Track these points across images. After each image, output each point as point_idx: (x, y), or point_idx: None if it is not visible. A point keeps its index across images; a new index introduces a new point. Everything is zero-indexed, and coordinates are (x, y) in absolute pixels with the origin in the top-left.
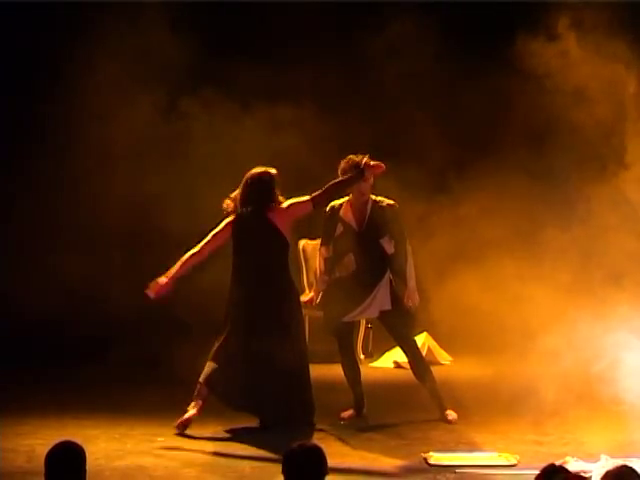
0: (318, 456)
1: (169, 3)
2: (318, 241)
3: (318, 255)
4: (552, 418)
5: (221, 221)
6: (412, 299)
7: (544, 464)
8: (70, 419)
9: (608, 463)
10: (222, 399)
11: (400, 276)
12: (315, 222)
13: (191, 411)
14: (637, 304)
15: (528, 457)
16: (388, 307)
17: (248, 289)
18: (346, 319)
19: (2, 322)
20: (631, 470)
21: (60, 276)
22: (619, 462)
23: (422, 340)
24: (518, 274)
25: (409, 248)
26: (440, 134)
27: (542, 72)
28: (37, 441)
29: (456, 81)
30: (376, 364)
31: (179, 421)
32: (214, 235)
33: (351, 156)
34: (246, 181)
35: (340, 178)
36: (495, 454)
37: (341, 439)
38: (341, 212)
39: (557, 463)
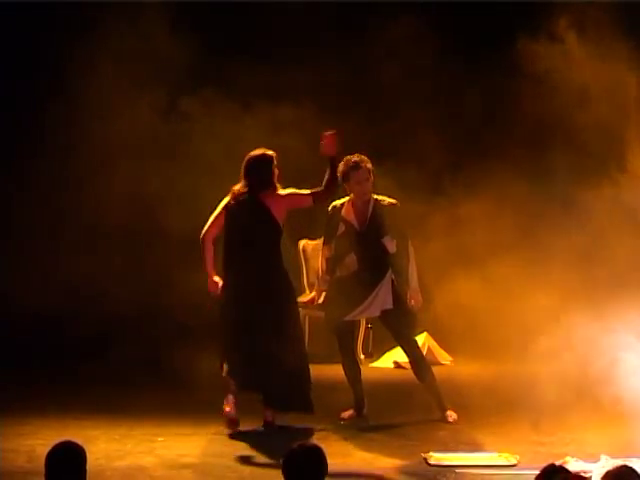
0: (318, 456)
1: (169, 3)
2: (318, 241)
3: (320, 255)
4: (552, 418)
5: (220, 203)
6: (415, 299)
7: (544, 464)
8: (70, 419)
9: (608, 463)
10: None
11: (402, 275)
12: (315, 222)
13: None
14: (636, 305)
15: (528, 457)
16: (390, 306)
17: (238, 272)
18: (348, 318)
19: (2, 322)
20: (631, 470)
21: (61, 276)
22: (619, 462)
23: (422, 340)
24: (518, 275)
25: (411, 247)
26: (440, 135)
27: (543, 74)
28: (37, 441)
29: (456, 82)
30: (376, 364)
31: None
32: (215, 217)
33: (347, 157)
34: (244, 163)
35: (327, 172)
36: (495, 454)
37: (341, 439)
38: (343, 212)
39: (557, 463)
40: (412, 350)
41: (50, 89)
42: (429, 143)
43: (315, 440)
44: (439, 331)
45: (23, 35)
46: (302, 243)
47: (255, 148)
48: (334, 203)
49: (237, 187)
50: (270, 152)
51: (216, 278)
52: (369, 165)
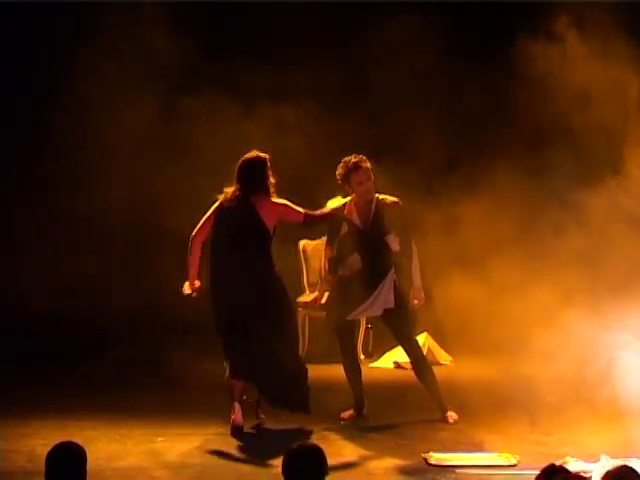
0: (318, 456)
1: (169, 3)
2: (318, 241)
3: (323, 255)
4: (552, 418)
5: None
6: (418, 297)
7: (544, 464)
8: (71, 420)
9: (608, 463)
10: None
11: (405, 274)
12: None
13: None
14: (635, 305)
15: (528, 457)
16: (392, 305)
17: (226, 274)
18: (350, 317)
19: (2, 322)
20: (631, 470)
21: (60, 276)
22: (619, 462)
23: (422, 340)
24: (518, 275)
25: (414, 245)
26: (440, 135)
27: (543, 74)
28: (38, 442)
29: (456, 82)
30: (376, 364)
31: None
32: (206, 219)
33: (345, 159)
34: (237, 166)
35: (331, 209)
36: (495, 454)
37: (341, 439)
38: (345, 212)
39: (557, 463)
40: (413, 350)
41: (50, 89)
42: (428, 142)
43: (315, 440)
44: (439, 331)
45: (23, 35)
46: (302, 243)
47: (255, 148)
48: (332, 202)
49: (229, 189)
50: (263, 155)
51: (197, 282)
52: (368, 164)
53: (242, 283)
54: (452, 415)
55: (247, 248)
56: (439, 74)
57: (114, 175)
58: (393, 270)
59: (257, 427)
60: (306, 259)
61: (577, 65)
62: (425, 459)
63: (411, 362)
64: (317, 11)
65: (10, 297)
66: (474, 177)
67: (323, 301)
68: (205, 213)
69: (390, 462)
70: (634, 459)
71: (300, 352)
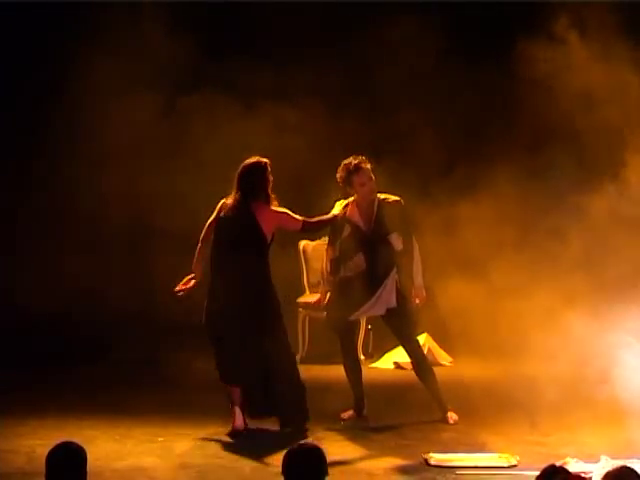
0: (318, 456)
1: (169, 3)
2: (318, 242)
3: (325, 256)
4: (552, 419)
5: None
6: (419, 296)
7: (544, 465)
8: (70, 420)
9: (608, 464)
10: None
11: (406, 272)
12: None
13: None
14: (635, 305)
15: (528, 458)
16: (394, 305)
17: (223, 278)
18: (353, 317)
19: (2, 322)
20: (631, 471)
21: (61, 276)
22: (619, 463)
23: (422, 341)
24: (518, 275)
25: (416, 244)
26: (440, 135)
27: (543, 75)
28: (37, 442)
29: (456, 82)
30: (376, 365)
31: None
32: (211, 222)
33: (344, 162)
34: (238, 171)
35: (327, 217)
36: (495, 455)
37: (341, 439)
38: (347, 213)
39: (557, 464)
40: (414, 350)
41: (50, 89)
42: (429, 143)
43: (315, 440)
44: (439, 332)
45: (23, 35)
46: (302, 244)
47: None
48: (339, 204)
49: (231, 195)
50: (264, 160)
51: (192, 282)
52: (369, 165)
53: (236, 288)
54: (452, 416)
55: (244, 254)
56: (439, 75)
57: (113, 175)
58: (395, 270)
59: (246, 429)
60: (306, 260)
61: (578, 67)
62: (425, 460)
63: (412, 362)
64: (317, 11)
65: (8, 297)
66: (474, 179)
67: (326, 302)
68: (206, 214)
69: (390, 462)
70: (634, 460)
71: (300, 353)
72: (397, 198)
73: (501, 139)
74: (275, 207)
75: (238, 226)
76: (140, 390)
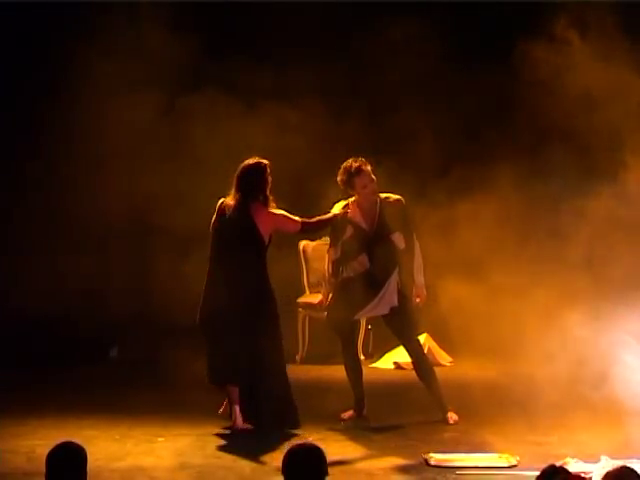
0: (318, 456)
1: (169, 3)
2: (318, 242)
3: (326, 258)
4: (552, 419)
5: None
6: (420, 295)
7: (544, 465)
8: (70, 420)
9: (608, 464)
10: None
11: (407, 272)
12: None
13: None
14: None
15: (528, 458)
16: (396, 304)
17: (221, 278)
18: (357, 317)
19: (2, 322)
20: (631, 471)
21: (60, 276)
22: (619, 463)
23: (422, 341)
24: (517, 276)
25: (417, 243)
26: (439, 136)
27: (544, 75)
28: (37, 442)
29: (456, 83)
30: (376, 365)
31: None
32: (211, 226)
33: (344, 164)
34: (238, 172)
35: (326, 217)
36: (495, 455)
37: (341, 439)
38: (349, 214)
39: (557, 464)
40: (415, 349)
41: (50, 89)
42: (428, 144)
43: (315, 440)
44: (439, 332)
45: (23, 35)
46: (302, 244)
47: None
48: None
49: (230, 196)
50: (264, 161)
51: None
52: (369, 167)
53: (234, 289)
54: (452, 416)
55: (243, 255)
56: (439, 75)
57: (113, 175)
58: (397, 269)
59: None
60: (306, 260)
61: (578, 68)
62: (425, 460)
63: (412, 362)
64: (317, 11)
65: (8, 297)
66: (474, 179)
67: (327, 303)
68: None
69: (390, 462)
70: (634, 460)
71: (300, 353)
72: (398, 197)
73: (501, 140)
74: (273, 209)
75: (237, 227)
76: (140, 390)
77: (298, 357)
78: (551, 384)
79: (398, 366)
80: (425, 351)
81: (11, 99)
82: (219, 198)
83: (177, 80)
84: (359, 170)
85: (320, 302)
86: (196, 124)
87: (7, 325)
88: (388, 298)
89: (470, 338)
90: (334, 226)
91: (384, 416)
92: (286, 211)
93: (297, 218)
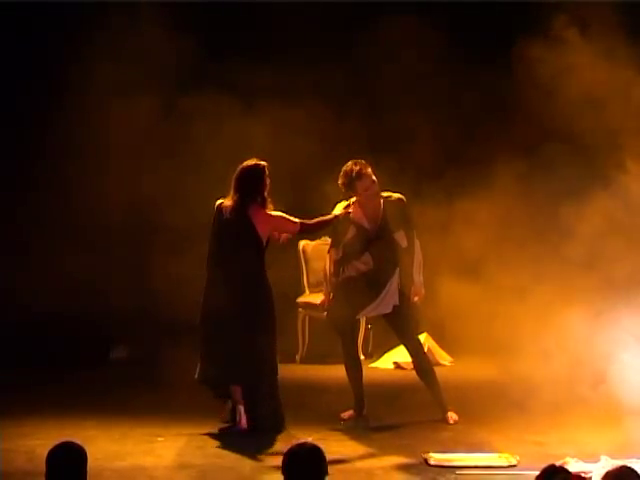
0: (318, 456)
1: (169, 3)
2: (318, 242)
3: (327, 258)
4: (552, 419)
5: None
6: (418, 293)
7: (544, 465)
8: (70, 419)
9: (608, 464)
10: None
11: (408, 270)
12: None
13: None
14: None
15: (528, 458)
16: (397, 303)
17: (217, 280)
18: (359, 316)
19: (2, 322)
20: (631, 471)
21: (60, 276)
22: (619, 463)
23: (422, 340)
24: (518, 276)
25: (417, 241)
26: (439, 136)
27: (543, 75)
28: (37, 442)
29: (456, 83)
30: (376, 365)
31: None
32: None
33: (345, 168)
34: (236, 173)
35: (327, 217)
36: (495, 455)
37: (341, 439)
38: (351, 214)
39: (557, 464)
40: (415, 348)
41: (50, 89)
42: (428, 143)
43: (315, 440)
44: (439, 332)
45: (23, 35)
46: (302, 244)
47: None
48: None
49: (228, 197)
50: (262, 163)
51: None
52: (369, 169)
53: (233, 290)
54: (452, 415)
55: (241, 256)
56: (439, 75)
57: (113, 175)
58: (399, 268)
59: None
60: (306, 260)
61: (578, 68)
62: (425, 459)
63: (413, 361)
64: (317, 11)
65: (9, 297)
66: (473, 179)
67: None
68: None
69: (390, 462)
70: (634, 459)
71: (300, 353)
72: (400, 196)
73: (500, 140)
74: (270, 210)
75: (235, 228)
76: (140, 390)
77: (298, 357)
78: (551, 384)
79: (398, 366)
80: (425, 351)
81: (12, 99)
82: (217, 199)
83: (177, 80)
84: (360, 174)
85: (322, 303)
86: (196, 124)
87: (8, 325)
88: (390, 297)
89: (470, 338)
90: (335, 227)
91: (384, 416)
92: (285, 212)
93: (296, 219)
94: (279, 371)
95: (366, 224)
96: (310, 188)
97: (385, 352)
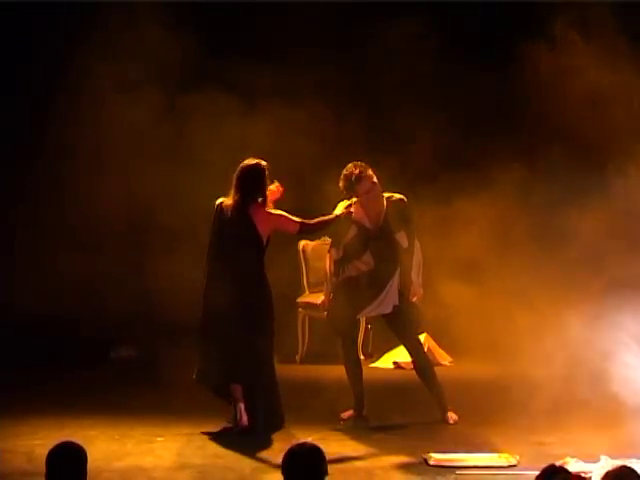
0: (318, 456)
1: (169, 3)
2: (318, 241)
3: (327, 257)
4: (552, 419)
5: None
6: (417, 293)
7: (544, 465)
8: (69, 419)
9: (608, 464)
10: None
11: (407, 270)
12: None
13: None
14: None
15: (528, 458)
16: (397, 303)
17: (218, 279)
18: (360, 316)
19: (2, 322)
20: (631, 471)
21: (61, 276)
22: (619, 463)
23: (422, 340)
24: (517, 277)
25: (417, 242)
26: (439, 136)
27: (543, 76)
28: (36, 442)
29: (456, 83)
30: (376, 364)
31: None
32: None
33: (345, 171)
34: (237, 173)
35: (328, 217)
36: (495, 455)
37: (341, 439)
38: (353, 214)
39: (557, 464)
40: (415, 348)
41: (50, 89)
42: (428, 143)
43: (315, 440)
44: (439, 332)
45: (23, 35)
46: (302, 243)
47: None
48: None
49: (229, 196)
50: (262, 162)
51: None
52: (370, 171)
53: (234, 289)
54: (452, 415)
55: (242, 256)
56: (439, 75)
57: (113, 174)
58: (399, 268)
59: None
60: (306, 259)
61: (579, 68)
62: (425, 459)
63: (413, 361)
64: (317, 11)
65: (8, 297)
66: (474, 179)
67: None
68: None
69: (390, 462)
70: (634, 459)
71: (299, 353)
72: (401, 197)
73: (501, 140)
74: (271, 209)
75: (236, 227)
76: (140, 390)
77: (298, 357)
78: (551, 384)
79: (398, 366)
80: (425, 350)
81: (11, 99)
82: (217, 198)
83: (177, 79)
84: (359, 178)
85: (322, 303)
86: (196, 124)
87: (8, 325)
88: (391, 297)
89: (470, 338)
90: (336, 226)
91: (384, 416)
92: (285, 212)
93: (296, 219)
94: (279, 371)
95: (367, 224)
96: (310, 188)
97: (385, 352)
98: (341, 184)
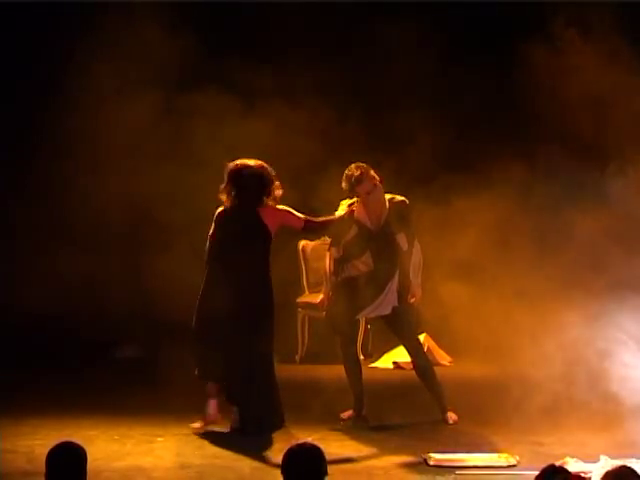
0: (318, 456)
1: (169, 3)
2: (318, 241)
3: (327, 257)
4: (552, 419)
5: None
6: (415, 294)
7: (544, 465)
8: (69, 419)
9: (608, 464)
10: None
11: (407, 271)
12: None
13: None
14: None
15: (528, 458)
16: (396, 304)
17: (222, 278)
18: (359, 316)
19: (2, 322)
20: (631, 471)
21: (60, 276)
22: (619, 463)
23: (422, 340)
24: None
25: (417, 244)
26: (439, 136)
27: (543, 77)
28: (36, 442)
29: (456, 83)
30: (376, 364)
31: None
32: (210, 238)
33: (346, 172)
34: (239, 172)
35: (332, 217)
36: (495, 455)
37: (341, 439)
38: (355, 214)
39: (557, 464)
40: (415, 348)
41: (49, 89)
42: (428, 143)
43: (315, 440)
44: (439, 332)
45: (23, 35)
46: (302, 243)
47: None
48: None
49: (228, 199)
50: (262, 163)
51: None
52: (371, 172)
53: (239, 287)
54: (452, 416)
55: (248, 253)
56: (439, 75)
57: (113, 174)
58: (399, 269)
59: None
60: (306, 259)
61: (579, 68)
62: (425, 460)
63: (412, 361)
64: (318, 11)
65: (8, 297)
66: (474, 179)
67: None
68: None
69: (390, 462)
70: (634, 459)
71: (299, 353)
72: (402, 198)
73: (500, 140)
74: (279, 205)
75: (243, 226)
76: (140, 390)
77: (297, 357)
78: (550, 384)
79: (397, 366)
80: (425, 350)
81: (10, 98)
82: (217, 207)
83: (177, 79)
84: (360, 179)
85: (321, 301)
86: (195, 124)
87: (8, 325)
88: (390, 298)
89: (470, 338)
90: (338, 225)
91: (384, 416)
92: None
93: (301, 215)
94: (279, 371)
95: (369, 224)
96: (310, 188)
97: (385, 352)
98: (343, 184)
